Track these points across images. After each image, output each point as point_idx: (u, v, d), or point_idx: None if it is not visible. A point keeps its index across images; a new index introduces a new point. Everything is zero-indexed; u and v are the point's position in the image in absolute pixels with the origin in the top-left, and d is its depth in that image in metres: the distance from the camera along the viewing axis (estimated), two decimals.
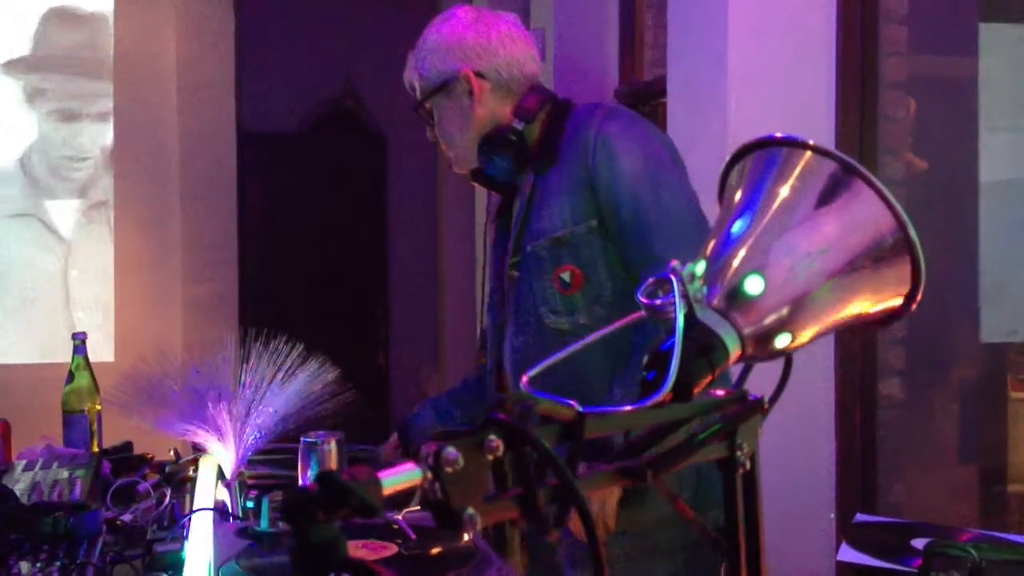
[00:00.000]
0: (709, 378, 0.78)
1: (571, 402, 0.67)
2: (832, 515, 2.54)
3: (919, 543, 1.66)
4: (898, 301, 0.84)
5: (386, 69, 6.17)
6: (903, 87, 2.84)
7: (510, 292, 1.93)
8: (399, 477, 0.57)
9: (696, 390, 0.78)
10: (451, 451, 0.57)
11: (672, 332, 0.76)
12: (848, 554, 1.69)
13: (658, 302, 0.78)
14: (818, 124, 2.59)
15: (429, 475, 0.57)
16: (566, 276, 1.83)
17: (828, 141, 2.62)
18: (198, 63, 5.13)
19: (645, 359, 0.77)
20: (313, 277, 6.12)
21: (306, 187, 6.16)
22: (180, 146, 5.09)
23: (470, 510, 0.58)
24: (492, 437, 0.60)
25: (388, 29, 6.17)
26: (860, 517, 1.92)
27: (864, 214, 0.81)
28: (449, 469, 0.57)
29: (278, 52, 5.99)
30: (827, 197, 0.82)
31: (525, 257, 1.89)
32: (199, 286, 5.10)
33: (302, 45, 6.03)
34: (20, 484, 1.93)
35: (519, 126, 1.92)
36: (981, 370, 3.07)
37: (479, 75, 1.93)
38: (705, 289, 0.79)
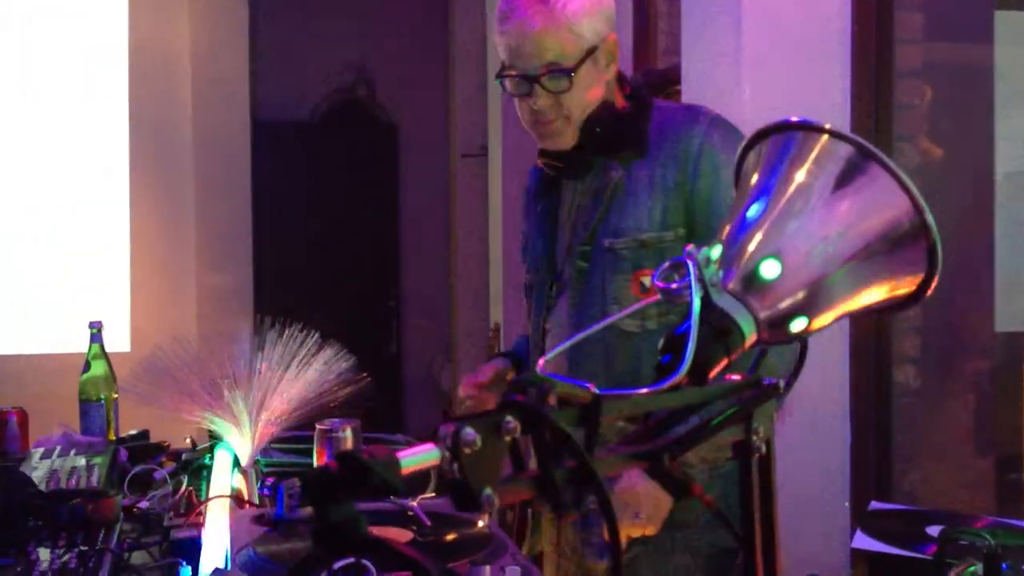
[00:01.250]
0: (725, 362, 0.78)
1: (588, 385, 0.67)
2: (847, 503, 2.54)
3: (934, 530, 1.66)
4: (914, 286, 0.84)
5: (399, 59, 6.19)
6: (918, 75, 2.83)
7: (575, 282, 1.84)
8: (418, 457, 0.57)
9: (712, 374, 0.78)
10: (469, 432, 0.58)
11: (688, 316, 0.76)
12: (863, 541, 1.69)
13: (674, 286, 0.78)
14: (833, 111, 2.58)
15: (447, 455, 0.58)
16: (647, 281, 1.76)
17: (843, 128, 2.60)
18: (212, 54, 5.14)
19: (661, 342, 0.77)
20: (326, 266, 6.13)
21: (319, 176, 6.17)
22: (194, 137, 5.10)
23: (488, 490, 0.58)
24: (509, 419, 0.60)
25: (400, 19, 6.17)
26: (875, 505, 1.92)
27: (880, 198, 0.81)
28: (467, 450, 0.57)
29: (291, 41, 5.99)
30: (843, 181, 0.82)
31: (600, 251, 1.80)
32: (214, 276, 5.12)
33: (315, 34, 6.04)
34: (38, 472, 1.94)
35: (631, 108, 1.84)
36: (996, 359, 3.06)
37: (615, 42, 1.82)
38: (721, 273, 0.79)
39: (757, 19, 2.57)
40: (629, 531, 1.66)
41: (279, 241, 5.86)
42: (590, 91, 1.80)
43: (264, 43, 5.66)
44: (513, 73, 1.79)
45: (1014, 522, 1.78)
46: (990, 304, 2.95)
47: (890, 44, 2.71)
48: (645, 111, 1.84)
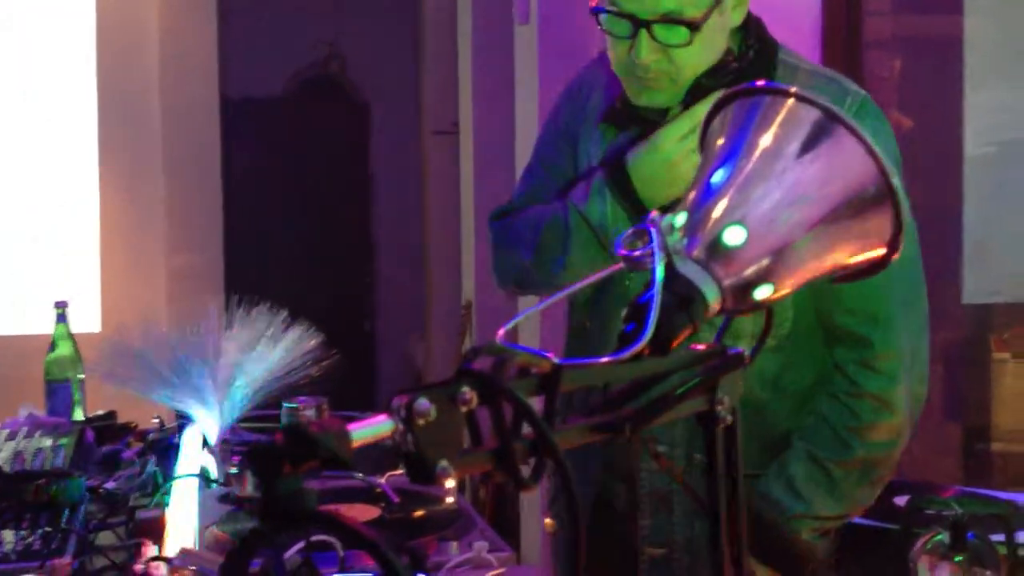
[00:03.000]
0: (689, 331, 0.77)
1: (548, 354, 0.66)
2: None
3: (901, 500, 1.66)
4: (880, 251, 0.83)
5: (370, 34, 6.13)
6: (887, 47, 2.83)
7: None
8: (370, 429, 0.55)
9: (675, 343, 0.76)
10: (423, 403, 0.56)
11: (651, 284, 0.75)
12: None
13: (637, 253, 0.77)
14: None
15: (401, 427, 0.56)
16: None
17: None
18: (181, 32, 5.07)
19: (624, 311, 0.75)
20: (299, 244, 6.09)
21: (290, 153, 6.12)
22: (163, 114, 5.04)
23: (443, 463, 0.56)
24: (465, 389, 0.59)
25: None
26: None
27: (846, 163, 0.80)
28: (421, 421, 0.56)
29: (261, 16, 5.92)
30: (809, 146, 0.81)
31: None
32: (184, 255, 5.08)
33: (285, 9, 5.97)
34: (3, 453, 1.92)
35: (753, 64, 1.51)
36: (964, 331, 3.07)
37: None
38: (685, 240, 0.78)
39: None
40: None
41: (250, 219, 5.81)
42: (711, 48, 1.43)
43: (234, 19, 5.58)
44: (614, 10, 1.39)
45: (981, 491, 1.79)
46: (958, 276, 2.96)
47: (860, 16, 2.70)
48: (768, 67, 1.50)
